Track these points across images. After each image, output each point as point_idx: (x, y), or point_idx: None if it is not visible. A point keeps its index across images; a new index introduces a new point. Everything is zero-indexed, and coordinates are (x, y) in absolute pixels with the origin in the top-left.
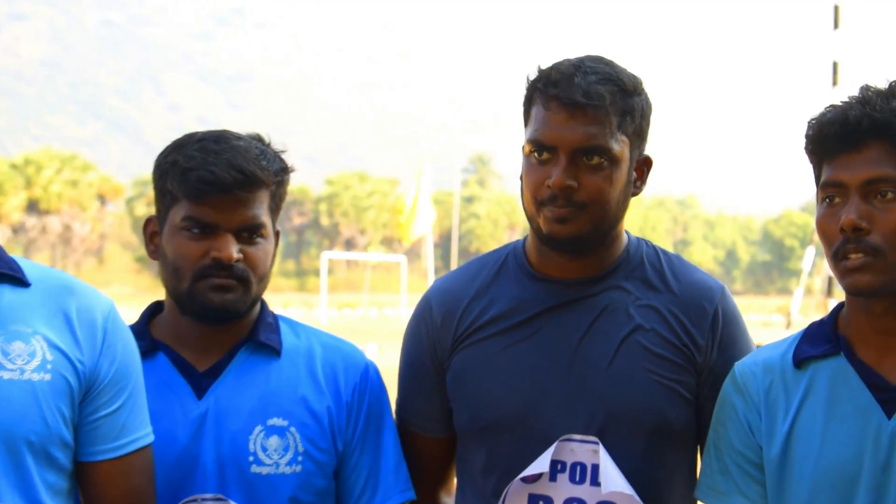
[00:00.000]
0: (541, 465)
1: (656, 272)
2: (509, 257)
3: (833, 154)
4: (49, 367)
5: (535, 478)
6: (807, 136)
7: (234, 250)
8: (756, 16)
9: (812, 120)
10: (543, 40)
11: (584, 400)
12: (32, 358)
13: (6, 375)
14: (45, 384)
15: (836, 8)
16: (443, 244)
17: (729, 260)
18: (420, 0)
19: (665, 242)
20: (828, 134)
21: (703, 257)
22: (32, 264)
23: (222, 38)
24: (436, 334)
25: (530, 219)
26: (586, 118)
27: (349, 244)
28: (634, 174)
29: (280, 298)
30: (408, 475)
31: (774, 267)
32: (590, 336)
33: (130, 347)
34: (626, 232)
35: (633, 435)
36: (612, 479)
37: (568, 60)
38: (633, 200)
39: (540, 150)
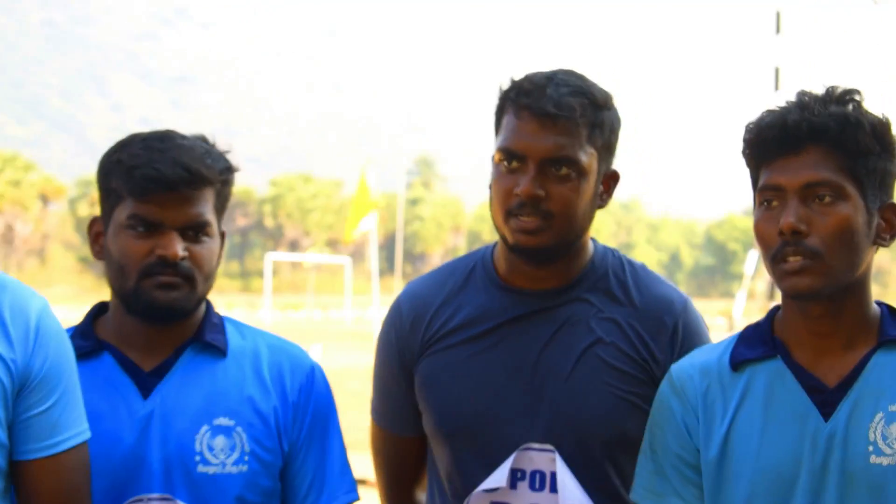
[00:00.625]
0: (498, 478)
1: (620, 284)
2: (478, 265)
3: (771, 158)
4: None
5: (495, 491)
6: (745, 141)
7: (179, 248)
8: (699, 21)
9: (750, 124)
10: (487, 44)
11: (542, 410)
12: None
13: None
14: None
15: (778, 14)
16: (387, 246)
17: (672, 264)
18: (364, 3)
19: (609, 245)
20: (766, 138)
21: (646, 261)
22: None
23: (166, 38)
24: (405, 338)
25: (498, 228)
26: (556, 129)
27: (293, 246)
28: (601, 187)
29: (224, 299)
30: (353, 476)
31: (717, 271)
32: (551, 347)
33: (63, 346)
34: (594, 241)
35: (590, 446)
36: (570, 491)
37: (541, 72)
38: None
39: (510, 158)
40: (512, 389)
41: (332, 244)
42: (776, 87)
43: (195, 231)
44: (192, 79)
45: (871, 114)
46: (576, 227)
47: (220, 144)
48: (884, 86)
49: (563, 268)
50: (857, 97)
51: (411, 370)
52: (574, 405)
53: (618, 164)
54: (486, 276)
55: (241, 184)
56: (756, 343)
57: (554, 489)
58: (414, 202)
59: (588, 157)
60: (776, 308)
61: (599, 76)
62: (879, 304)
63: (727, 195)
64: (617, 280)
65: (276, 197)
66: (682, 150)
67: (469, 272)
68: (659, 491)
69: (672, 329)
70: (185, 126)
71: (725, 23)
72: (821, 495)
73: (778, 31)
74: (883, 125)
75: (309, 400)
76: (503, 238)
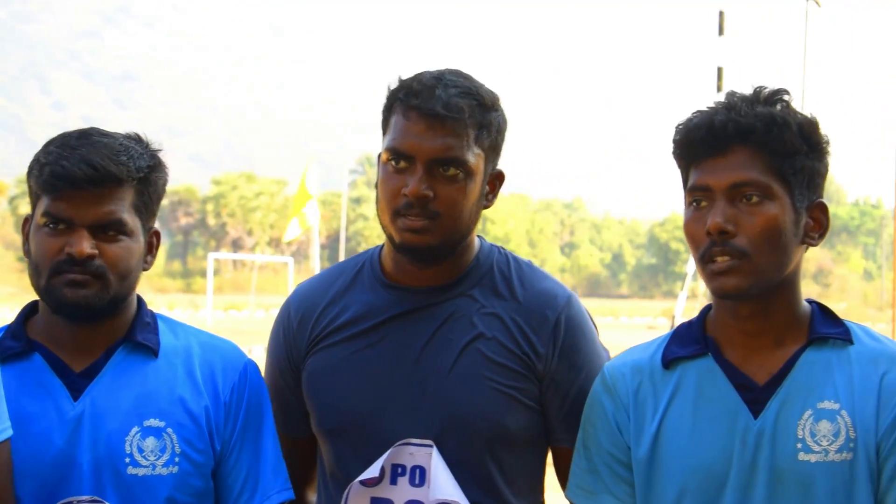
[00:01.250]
0: (373, 470)
1: (504, 280)
2: (366, 265)
3: (699, 159)
4: None
5: (375, 481)
6: (674, 142)
7: (86, 245)
8: (642, 22)
9: (679, 125)
10: (432, 44)
11: (423, 405)
12: None
13: None
14: None
15: (721, 14)
16: (330, 245)
17: (615, 263)
18: (308, 2)
19: (552, 245)
20: (694, 139)
21: (589, 260)
22: None
23: (108, 36)
24: (292, 337)
25: (385, 227)
26: (445, 130)
27: (236, 245)
28: (487, 187)
29: (165, 299)
30: (287, 474)
31: (660, 270)
32: (433, 343)
33: None
34: (480, 238)
35: (471, 440)
36: (441, 486)
37: (429, 72)
38: (521, 202)
39: (398, 158)
40: (394, 385)
41: (275, 244)
42: (718, 88)
43: (107, 229)
44: (135, 77)
45: (798, 113)
46: (462, 227)
47: (154, 143)
48: (824, 86)
49: (449, 265)
50: (785, 97)
51: (299, 369)
52: (454, 400)
53: (562, 163)
54: (373, 275)
55: (184, 182)
56: (688, 341)
57: (429, 483)
58: (357, 201)
59: (475, 157)
60: (708, 307)
61: (546, 78)
62: (810, 301)
63: (670, 195)
64: (501, 276)
65: (219, 196)
66: (625, 149)
67: (357, 272)
68: (592, 488)
69: (554, 323)
70: (128, 124)
71: (669, 23)
72: (750, 492)
73: (721, 31)
74: (811, 125)
75: (242, 399)
76: (390, 237)
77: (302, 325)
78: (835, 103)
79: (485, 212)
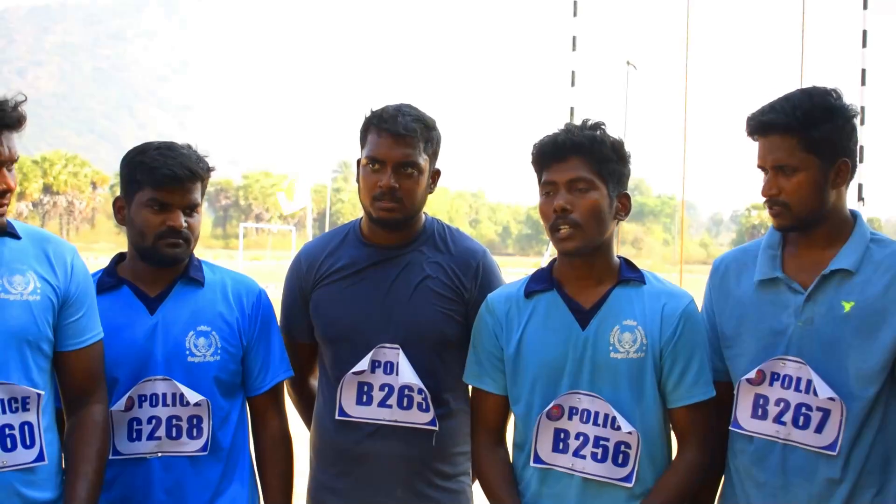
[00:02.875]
0: (362, 364)
1: (441, 240)
2: (350, 231)
3: (548, 164)
4: (39, 291)
5: (361, 373)
6: (532, 154)
7: (182, 221)
8: (503, 20)
9: (536, 143)
10: (397, 66)
11: (392, 322)
12: (27, 286)
13: (11, 298)
14: (37, 303)
15: (575, 4)
16: (319, 219)
17: (504, 233)
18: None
19: (464, 221)
20: (545, 151)
21: (487, 231)
22: (20, 224)
23: (175, 79)
24: (303, 277)
25: (365, 207)
26: (405, 143)
27: (258, 218)
28: (430, 181)
29: (211, 253)
30: (289, 362)
31: (533, 238)
32: (397, 282)
33: (88, 279)
34: (425, 214)
35: (424, 345)
36: (406, 374)
37: (391, 105)
38: (440, 193)
39: (374, 163)
40: (371, 309)
41: (284, 218)
42: (572, 83)
43: (191, 209)
44: (192, 107)
45: (611, 136)
46: (416, 207)
47: (200, 151)
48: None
49: (406, 231)
50: (603, 126)
51: (307, 297)
52: (413, 318)
53: (470, 163)
54: (355, 238)
55: (224, 176)
56: (541, 280)
57: (398, 374)
58: (337, 190)
59: (424, 161)
60: (555, 260)
61: (459, 91)
62: (620, 257)
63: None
64: (440, 237)
65: (247, 185)
66: (515, 152)
67: (345, 235)
68: (478, 374)
69: (475, 269)
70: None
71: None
72: (579, 378)
73: (574, 48)
74: (619, 143)
75: (258, 313)
76: (368, 214)
77: (309, 270)
78: (652, 129)
79: None
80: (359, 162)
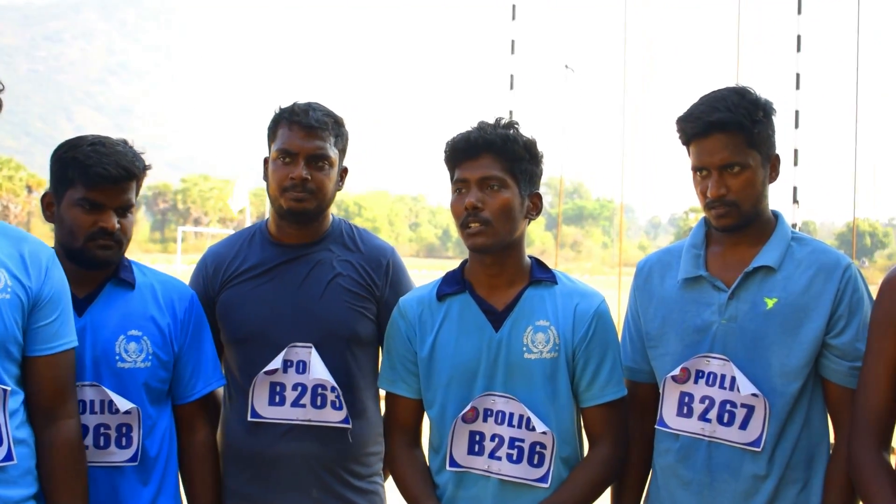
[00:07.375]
0: (275, 363)
1: (350, 239)
2: (256, 231)
3: (461, 161)
4: (9, 290)
5: (273, 372)
6: (445, 152)
7: (114, 222)
8: (443, 24)
9: (449, 140)
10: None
11: (304, 320)
12: None
13: None
14: (6, 301)
15: (514, 7)
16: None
17: (445, 236)
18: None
19: (404, 224)
20: (457, 149)
21: (427, 234)
22: (1, 223)
23: (112, 82)
24: (209, 279)
25: (274, 200)
26: (316, 137)
27: (197, 222)
28: (339, 177)
29: (149, 257)
30: (221, 369)
31: None
32: (308, 280)
33: (65, 284)
34: (333, 215)
35: (336, 342)
36: (318, 370)
37: (301, 102)
38: (384, 195)
39: (285, 156)
40: (282, 308)
41: (223, 221)
42: (511, 87)
43: (124, 210)
44: (130, 110)
45: (524, 135)
46: (326, 199)
47: (137, 148)
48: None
49: (314, 229)
50: (516, 125)
51: (214, 300)
52: (325, 316)
53: (411, 168)
54: (263, 238)
55: (162, 180)
56: (452, 282)
57: (309, 370)
58: None
59: (335, 155)
60: (466, 261)
61: (397, 96)
62: (531, 257)
63: None
64: (349, 237)
65: (185, 189)
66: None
67: (251, 236)
68: (391, 379)
69: (386, 266)
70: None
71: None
72: (493, 380)
73: (512, 52)
74: (532, 142)
75: (190, 318)
76: (278, 207)
77: (216, 272)
78: (591, 133)
79: (357, 200)
80: (266, 160)
